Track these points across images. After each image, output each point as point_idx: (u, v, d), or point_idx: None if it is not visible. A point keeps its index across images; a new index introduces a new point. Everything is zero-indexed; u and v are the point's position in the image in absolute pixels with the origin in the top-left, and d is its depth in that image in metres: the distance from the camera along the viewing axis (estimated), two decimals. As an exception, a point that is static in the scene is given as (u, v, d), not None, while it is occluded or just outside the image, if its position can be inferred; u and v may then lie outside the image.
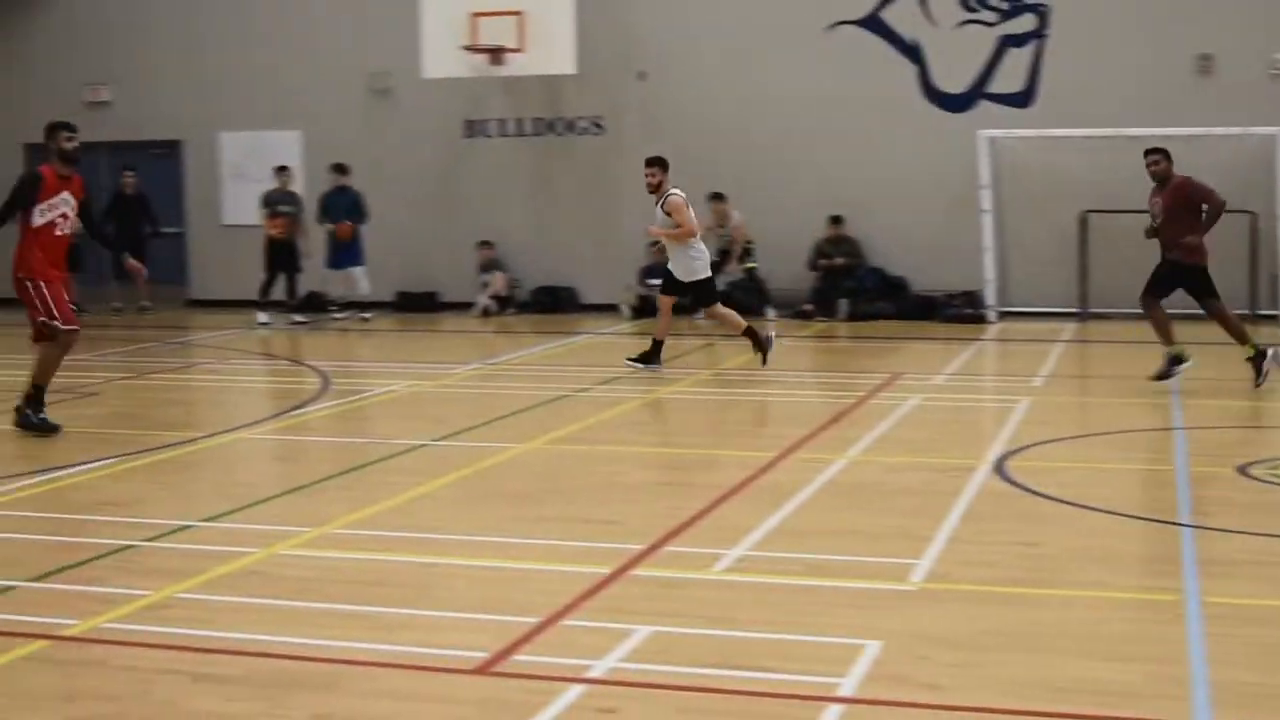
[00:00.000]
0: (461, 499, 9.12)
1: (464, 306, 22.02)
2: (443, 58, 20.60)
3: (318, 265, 21.09)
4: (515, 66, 20.61)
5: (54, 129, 11.66)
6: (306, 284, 21.42)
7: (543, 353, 17.05)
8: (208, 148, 23.54)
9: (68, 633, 6.23)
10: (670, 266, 14.85)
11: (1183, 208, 13.21)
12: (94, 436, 11.26)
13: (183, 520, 8.31)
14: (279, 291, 20.76)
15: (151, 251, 21.69)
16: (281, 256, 20.70)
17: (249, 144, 22.98)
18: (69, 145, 11.55)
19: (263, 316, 20.39)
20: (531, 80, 21.53)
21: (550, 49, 20.41)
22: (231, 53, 23.23)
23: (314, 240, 20.87)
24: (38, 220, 11.31)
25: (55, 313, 11.28)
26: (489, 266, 21.92)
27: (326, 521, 8.24)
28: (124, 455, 10.43)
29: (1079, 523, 8.25)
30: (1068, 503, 8.67)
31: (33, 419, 11.27)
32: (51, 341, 11.37)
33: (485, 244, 21.93)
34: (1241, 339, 13.35)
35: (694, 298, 15.17)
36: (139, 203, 22.52)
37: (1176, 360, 13.17)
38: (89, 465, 10.06)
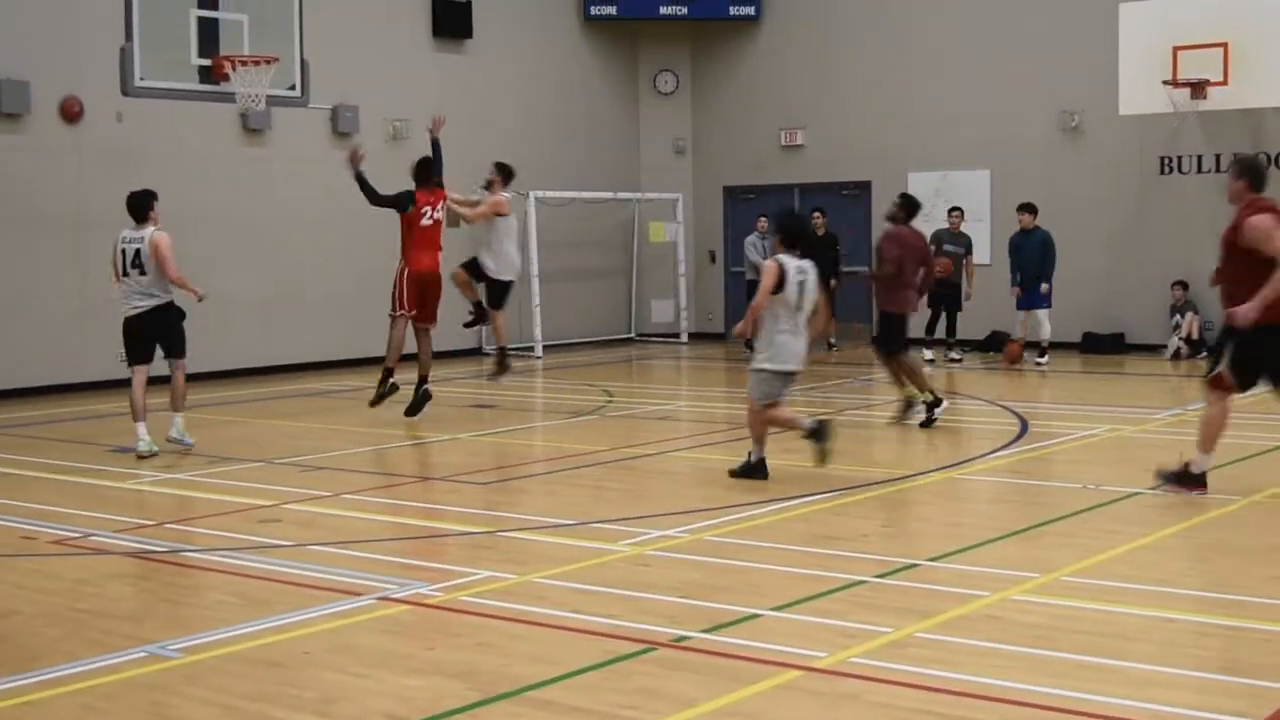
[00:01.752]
0: (1187, 551, 8.78)
1: (1151, 349, 21.33)
2: (1140, 93, 20.09)
3: (1003, 305, 20.99)
4: (1216, 100, 19.80)
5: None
6: (990, 323, 21.38)
7: (1252, 398, 16.20)
8: (897, 188, 23.92)
9: (819, 664, 6.42)
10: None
11: None
12: (807, 471, 11.62)
13: (909, 558, 8.43)
14: (940, 330, 20.93)
15: (841, 291, 22.34)
16: (945, 295, 20.81)
17: (937, 184, 23.20)
18: None
19: (928, 354, 20.58)
20: (1231, 113, 20.60)
21: (1255, 80, 19.48)
22: (922, 93, 23.57)
23: (995, 281, 20.80)
24: None
25: None
26: (1181, 308, 21.11)
27: (1054, 568, 8.12)
28: (840, 490, 10.72)
29: None
30: None
31: None
32: None
33: (1179, 284, 21.14)
34: None
35: None
36: (829, 243, 23.16)
37: None
38: (808, 498, 10.40)
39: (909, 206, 14.82)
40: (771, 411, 11.33)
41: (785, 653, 6.60)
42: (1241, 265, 9.91)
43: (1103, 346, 21.96)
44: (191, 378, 17.02)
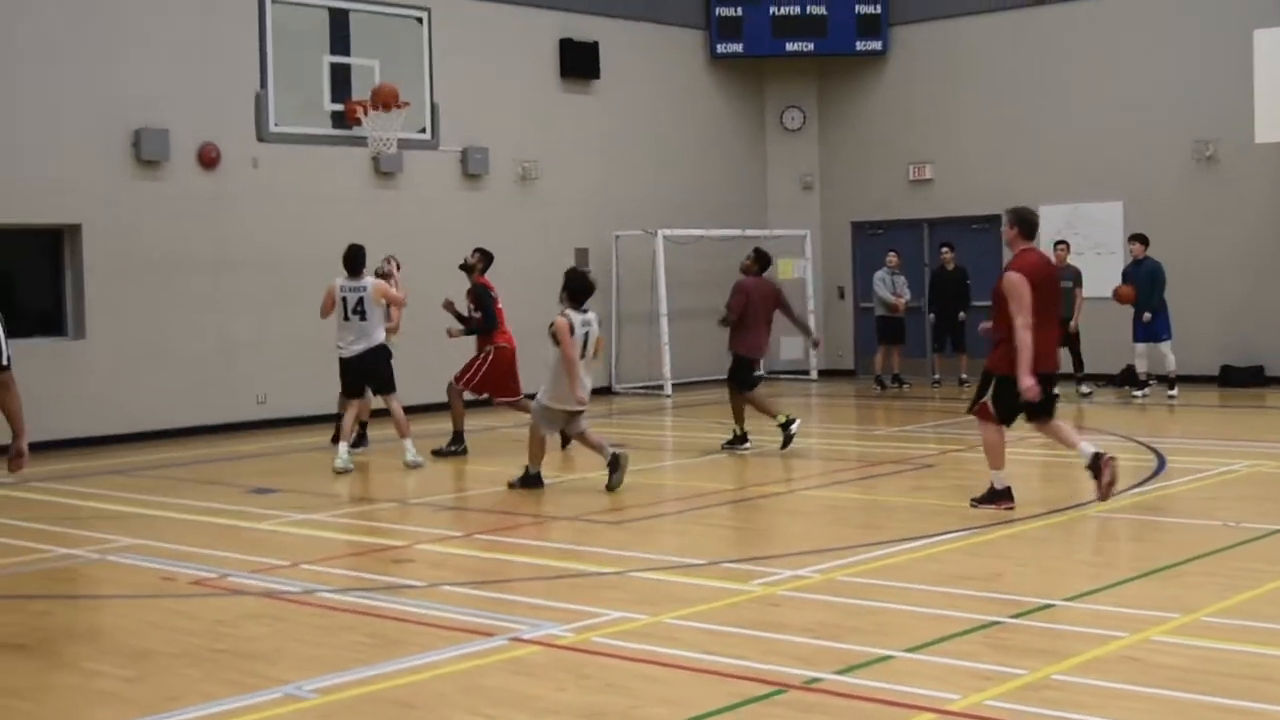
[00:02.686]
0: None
1: (1293, 382, 20.91)
2: (1276, 120, 19.68)
3: (1125, 338, 20.64)
4: (1358, 126, 19.39)
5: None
6: (1124, 357, 21.02)
7: None
8: (1026, 221, 23.67)
9: (952, 707, 6.33)
10: None
11: None
12: (937, 509, 11.51)
13: (1044, 598, 8.29)
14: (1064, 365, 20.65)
15: (968, 326, 22.15)
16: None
17: (1069, 216, 22.90)
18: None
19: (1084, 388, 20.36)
20: (1373, 141, 20.15)
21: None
22: (1052, 125, 23.33)
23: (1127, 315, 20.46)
24: None
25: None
26: (1324, 339, 20.67)
27: (1194, 608, 7.94)
28: (972, 529, 10.59)
29: None
30: None
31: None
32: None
33: (1321, 315, 20.72)
34: None
35: None
36: (957, 278, 22.97)
37: None
38: (939, 537, 10.28)
39: (761, 260, 15.88)
40: (586, 435, 13.20)
41: (919, 695, 6.51)
42: (1003, 311, 11.03)
43: (1241, 380, 21.53)
44: (320, 419, 17.29)
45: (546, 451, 13.42)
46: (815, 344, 19.27)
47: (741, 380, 15.76)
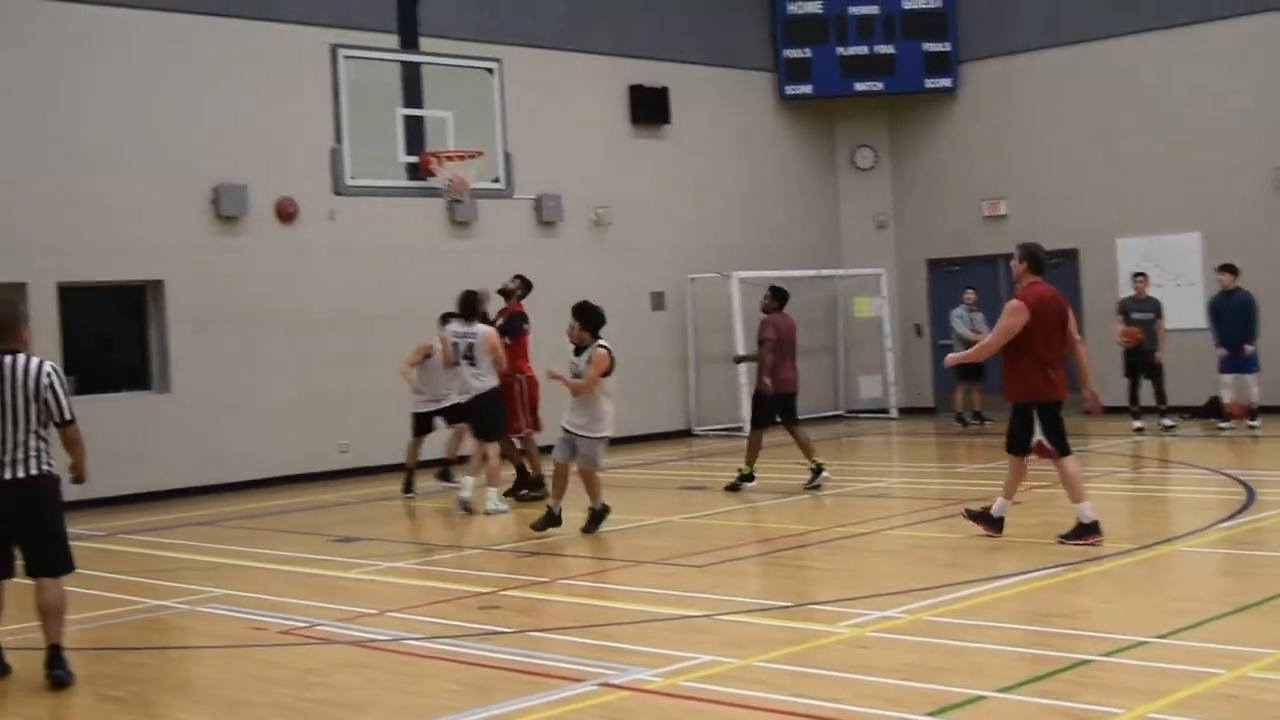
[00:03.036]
0: None
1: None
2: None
3: (1208, 370, 20.39)
4: None
5: None
6: (1208, 388, 20.79)
7: None
8: (1104, 254, 23.55)
9: (1049, 747, 6.28)
10: None
11: None
12: (1028, 545, 11.42)
13: (1137, 635, 8.20)
14: (1146, 397, 20.37)
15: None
16: (1140, 363, 20.32)
17: (1146, 248, 22.73)
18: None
19: (1136, 423, 20.07)
20: None
21: None
22: (1128, 157, 23.18)
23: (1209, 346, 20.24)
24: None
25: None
26: None
27: (1292, 644, 7.85)
28: (1060, 566, 10.50)
29: None
30: None
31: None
32: None
33: None
34: None
35: None
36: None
37: None
38: (1026, 575, 10.20)
39: (779, 296, 16.26)
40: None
41: (1012, 736, 6.47)
42: (1011, 341, 11.47)
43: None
44: (400, 467, 17.39)
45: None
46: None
47: (756, 417, 16.24)
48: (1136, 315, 20.43)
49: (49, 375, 8.48)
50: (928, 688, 7.30)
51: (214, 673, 8.79)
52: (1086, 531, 11.23)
